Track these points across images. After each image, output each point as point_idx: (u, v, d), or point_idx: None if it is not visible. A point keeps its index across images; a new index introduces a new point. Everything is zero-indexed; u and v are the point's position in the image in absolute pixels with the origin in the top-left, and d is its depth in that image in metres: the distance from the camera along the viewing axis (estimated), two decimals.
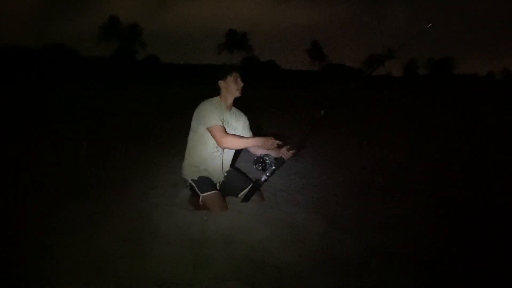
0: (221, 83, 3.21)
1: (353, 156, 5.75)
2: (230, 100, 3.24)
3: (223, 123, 3.15)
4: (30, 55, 51.26)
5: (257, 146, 3.18)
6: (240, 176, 3.43)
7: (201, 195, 3.11)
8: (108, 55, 64.45)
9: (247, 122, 3.45)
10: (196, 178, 3.19)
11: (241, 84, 3.20)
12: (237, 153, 3.47)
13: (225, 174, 3.36)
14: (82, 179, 4.07)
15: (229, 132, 3.18)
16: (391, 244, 2.65)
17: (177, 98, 17.97)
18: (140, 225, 2.83)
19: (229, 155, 3.36)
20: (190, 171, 3.24)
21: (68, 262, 2.32)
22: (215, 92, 3.26)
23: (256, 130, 3.58)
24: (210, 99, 3.23)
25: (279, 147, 3.18)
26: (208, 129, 3.10)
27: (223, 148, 3.21)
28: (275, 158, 3.17)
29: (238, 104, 3.38)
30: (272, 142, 3.09)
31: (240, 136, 3.22)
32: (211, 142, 3.17)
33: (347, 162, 5.29)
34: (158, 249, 2.47)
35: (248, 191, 3.25)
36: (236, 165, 3.77)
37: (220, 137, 3.06)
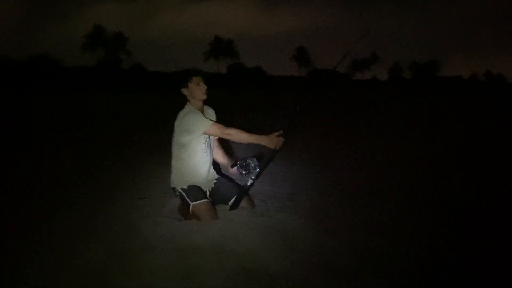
0: (184, 90, 3.18)
1: (342, 160, 5.74)
2: (199, 104, 3.21)
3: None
4: (13, 66, 50.60)
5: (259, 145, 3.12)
6: (229, 184, 3.39)
7: (192, 203, 3.07)
8: (93, 65, 63.99)
9: (215, 118, 3.39)
10: (185, 187, 3.15)
11: (204, 86, 3.16)
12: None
13: (215, 181, 3.33)
14: (68, 189, 4.00)
15: None
16: (383, 248, 2.64)
17: (163, 106, 17.88)
18: (128, 235, 2.78)
19: (211, 155, 3.32)
20: (179, 180, 3.20)
21: (56, 274, 2.28)
22: (182, 99, 3.24)
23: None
24: (185, 109, 3.18)
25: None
26: (206, 132, 3.09)
27: (231, 140, 3.15)
28: (258, 160, 3.14)
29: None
30: (278, 140, 3.04)
31: (243, 130, 3.15)
32: (199, 147, 3.15)
33: (336, 167, 5.28)
34: (147, 260, 2.43)
35: (236, 198, 3.21)
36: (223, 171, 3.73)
37: (224, 130, 3.07)
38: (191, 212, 3.08)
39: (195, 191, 3.14)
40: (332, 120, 11.45)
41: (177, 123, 3.14)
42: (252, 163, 3.07)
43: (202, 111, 3.22)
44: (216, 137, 3.35)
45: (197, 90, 3.15)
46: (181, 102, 3.25)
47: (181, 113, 3.16)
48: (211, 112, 3.36)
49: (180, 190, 3.17)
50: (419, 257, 2.54)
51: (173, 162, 3.25)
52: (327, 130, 9.24)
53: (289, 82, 59.54)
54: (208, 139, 3.21)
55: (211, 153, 3.30)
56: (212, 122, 3.11)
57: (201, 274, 2.28)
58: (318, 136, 8.05)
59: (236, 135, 3.08)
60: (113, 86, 39.66)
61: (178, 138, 3.14)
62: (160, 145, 6.17)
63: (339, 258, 2.50)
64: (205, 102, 3.30)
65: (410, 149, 6.74)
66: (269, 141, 3.07)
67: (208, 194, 3.24)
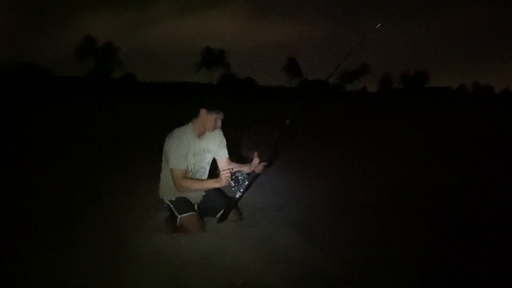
0: (203, 111, 3.07)
1: (331, 172, 5.74)
2: (202, 131, 3.15)
3: (194, 160, 3.13)
4: (2, 76, 50.15)
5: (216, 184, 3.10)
6: (217, 197, 3.36)
7: (179, 216, 3.06)
8: (84, 75, 63.74)
9: (223, 140, 3.36)
10: (173, 199, 3.14)
11: (219, 126, 3.12)
12: (212, 172, 3.41)
13: (203, 194, 3.30)
14: (56, 201, 3.94)
15: (203, 157, 3.19)
16: (373, 260, 2.64)
17: (154, 117, 17.84)
18: (116, 248, 2.75)
19: (204, 175, 3.29)
20: (167, 192, 3.18)
21: (43, 286, 2.26)
22: (193, 113, 3.12)
23: (233, 144, 3.53)
24: (181, 129, 3.11)
25: (247, 164, 3.17)
26: (170, 168, 3.05)
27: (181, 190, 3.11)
28: (248, 173, 3.09)
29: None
30: (225, 179, 2.99)
31: (198, 180, 3.16)
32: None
33: (326, 178, 5.27)
34: (135, 274, 2.41)
35: (224, 210, 3.19)
36: None
37: (178, 181, 3.03)
38: (178, 225, 3.06)
39: (182, 203, 3.12)
40: (322, 131, 11.49)
41: (166, 138, 3.09)
42: (241, 175, 3.04)
43: (202, 135, 3.17)
44: (224, 157, 3.35)
45: (212, 122, 3.08)
46: (186, 116, 3.18)
47: (174, 132, 3.09)
48: (212, 138, 3.26)
49: (168, 202, 3.15)
50: (409, 269, 2.53)
51: (161, 174, 3.23)
52: (317, 142, 9.26)
53: (281, 93, 59.84)
54: (193, 167, 3.17)
55: (202, 169, 3.26)
56: (177, 167, 3.02)
57: None
58: (307, 148, 8.05)
59: (188, 189, 3.08)
60: (104, 96, 39.49)
61: (164, 154, 3.12)
62: (149, 156, 6.13)
63: (328, 270, 2.49)
64: None
65: (400, 160, 6.77)
66: (220, 182, 3.02)
67: (196, 207, 3.21)
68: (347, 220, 3.45)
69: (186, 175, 3.07)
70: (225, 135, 3.39)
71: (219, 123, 3.11)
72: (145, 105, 29.14)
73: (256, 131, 10.81)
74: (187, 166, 3.09)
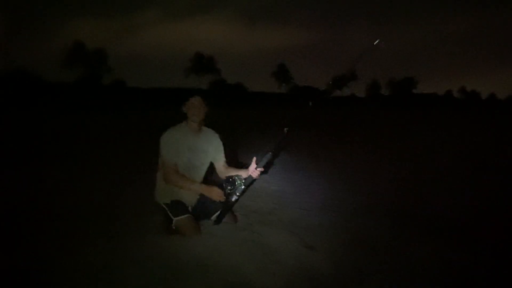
0: (183, 108, 3.26)
1: (323, 176, 5.83)
2: (193, 124, 3.27)
3: (188, 155, 3.22)
4: None
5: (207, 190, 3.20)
6: (212, 200, 3.38)
7: (174, 219, 3.12)
8: (73, 81, 63.15)
9: (220, 145, 3.46)
10: (168, 202, 3.19)
11: (195, 109, 3.22)
12: (208, 175, 3.49)
13: (198, 197, 3.35)
14: (50, 206, 3.95)
15: (198, 156, 3.27)
16: (364, 261, 2.72)
17: (143, 122, 17.78)
18: (112, 252, 2.79)
19: (198, 176, 3.36)
20: (162, 194, 3.25)
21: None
22: (184, 116, 3.31)
23: (229, 150, 3.62)
24: (177, 125, 3.27)
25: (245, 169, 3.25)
26: (162, 159, 3.18)
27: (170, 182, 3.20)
28: (244, 178, 3.20)
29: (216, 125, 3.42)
30: (217, 194, 3.13)
31: (187, 178, 3.22)
32: (179, 163, 3.21)
33: (318, 181, 5.36)
34: (132, 276, 2.45)
35: (220, 213, 3.26)
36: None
37: (167, 172, 3.15)
38: (173, 227, 3.12)
39: (177, 206, 3.18)
40: (314, 137, 11.56)
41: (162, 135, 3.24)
42: (238, 179, 3.14)
43: (195, 132, 3.27)
44: (221, 162, 3.44)
45: (191, 109, 3.22)
46: (171, 118, 3.33)
47: (169, 128, 3.25)
48: (208, 139, 3.38)
49: (163, 205, 3.21)
50: (400, 270, 2.61)
51: (157, 175, 3.31)
52: (309, 147, 9.35)
53: (271, 99, 59.90)
54: (187, 165, 3.25)
55: (196, 169, 3.33)
56: (168, 159, 3.15)
57: None
58: (300, 152, 8.13)
59: (175, 182, 3.16)
60: (93, 102, 39.18)
61: (159, 150, 3.24)
62: (142, 160, 6.18)
63: (319, 270, 2.57)
64: (208, 126, 3.40)
65: (393, 164, 6.88)
66: (210, 192, 3.16)
67: (191, 210, 3.27)
68: (338, 223, 3.54)
69: (176, 169, 3.17)
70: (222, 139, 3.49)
71: (196, 108, 3.21)
72: (134, 110, 28.96)
73: (249, 137, 10.87)
74: (182, 160, 3.19)
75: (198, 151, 3.29)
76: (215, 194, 3.13)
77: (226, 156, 3.49)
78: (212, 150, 3.39)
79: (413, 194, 4.69)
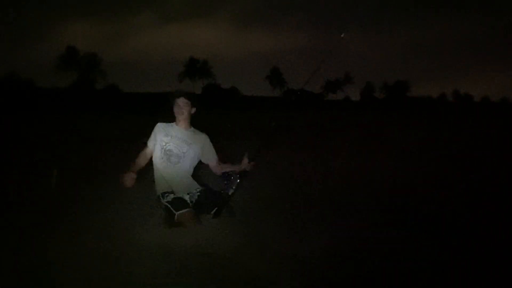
0: (172, 108, 3.56)
1: (317, 171, 5.91)
2: (181, 123, 3.57)
3: (167, 140, 3.49)
4: None
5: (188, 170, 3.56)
6: (212, 194, 3.59)
7: (176, 213, 3.30)
8: (66, 85, 63.10)
9: (210, 146, 3.68)
10: (170, 200, 3.38)
11: (179, 108, 3.51)
12: (204, 170, 3.74)
13: (198, 194, 3.51)
14: (56, 201, 4.05)
15: (179, 145, 3.49)
16: (357, 253, 2.81)
17: (136, 126, 17.68)
18: (118, 242, 2.96)
19: (180, 166, 3.50)
20: (160, 184, 3.48)
21: (48, 279, 2.40)
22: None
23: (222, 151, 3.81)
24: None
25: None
26: None
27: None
28: (239, 172, 3.44)
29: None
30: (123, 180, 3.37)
31: (134, 163, 3.50)
32: (156, 155, 3.50)
33: (312, 177, 5.47)
34: (137, 264, 2.62)
35: (218, 207, 3.42)
36: (206, 181, 3.94)
37: (141, 152, 3.56)
38: (176, 221, 3.29)
39: (178, 202, 3.38)
40: (311, 134, 11.67)
41: None
42: (233, 174, 3.36)
43: (183, 129, 3.56)
44: (214, 161, 3.67)
45: (176, 107, 3.52)
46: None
47: None
48: (195, 137, 3.60)
49: (165, 203, 3.39)
50: (392, 263, 2.67)
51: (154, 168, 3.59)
52: (302, 143, 9.46)
53: (265, 102, 60.14)
54: (165, 150, 3.47)
55: (175, 158, 3.48)
56: (148, 143, 3.54)
57: (187, 272, 2.50)
58: (293, 148, 8.23)
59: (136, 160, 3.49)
60: (87, 106, 39.09)
61: None
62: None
63: (312, 261, 2.67)
64: (196, 127, 3.67)
65: (384, 162, 6.92)
66: (121, 178, 3.41)
67: (192, 205, 3.43)
68: (330, 216, 3.67)
69: (146, 152, 3.55)
70: (216, 142, 3.71)
71: (179, 105, 3.50)
72: (128, 115, 28.91)
73: (241, 136, 10.88)
74: (160, 144, 3.48)
75: (179, 140, 3.51)
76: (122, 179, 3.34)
77: (220, 153, 3.71)
78: (197, 146, 3.58)
79: (409, 193, 4.68)
